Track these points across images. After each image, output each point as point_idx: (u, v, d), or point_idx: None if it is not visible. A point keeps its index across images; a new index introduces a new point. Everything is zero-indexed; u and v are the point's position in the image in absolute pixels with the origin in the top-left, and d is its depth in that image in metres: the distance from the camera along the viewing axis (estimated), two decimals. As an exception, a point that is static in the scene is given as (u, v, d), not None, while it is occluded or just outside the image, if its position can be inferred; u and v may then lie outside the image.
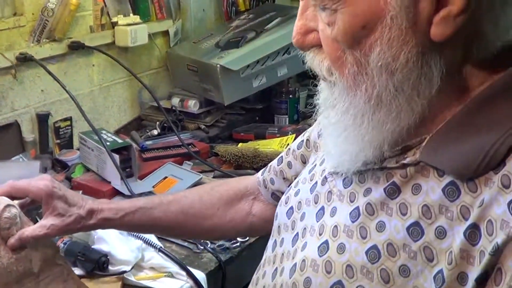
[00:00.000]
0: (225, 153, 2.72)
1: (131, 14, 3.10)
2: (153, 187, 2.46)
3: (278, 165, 1.56)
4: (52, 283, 1.51)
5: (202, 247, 2.11)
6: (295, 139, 2.82)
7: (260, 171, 1.65)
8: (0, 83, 2.62)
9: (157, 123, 3.08)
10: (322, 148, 1.33)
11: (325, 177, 1.22)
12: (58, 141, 2.86)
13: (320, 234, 1.15)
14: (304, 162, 1.47)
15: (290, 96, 3.31)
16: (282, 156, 1.55)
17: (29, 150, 2.72)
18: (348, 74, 1.02)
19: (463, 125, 0.99)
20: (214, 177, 2.61)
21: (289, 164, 1.52)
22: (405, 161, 1.04)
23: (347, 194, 1.14)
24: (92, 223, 1.50)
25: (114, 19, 3.03)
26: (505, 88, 0.98)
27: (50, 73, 2.61)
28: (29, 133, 2.76)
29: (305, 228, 1.21)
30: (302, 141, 1.49)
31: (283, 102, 3.30)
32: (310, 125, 3.00)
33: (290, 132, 3.00)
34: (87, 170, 2.59)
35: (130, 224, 1.57)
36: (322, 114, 1.16)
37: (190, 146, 2.79)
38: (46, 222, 1.43)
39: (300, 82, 3.56)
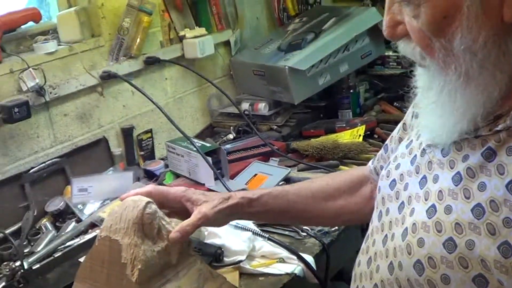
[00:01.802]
0: (307, 147, 2.80)
1: (196, 27, 3.17)
2: (246, 184, 2.53)
3: (385, 153, 1.63)
4: (189, 273, 1.57)
5: (304, 234, 2.19)
6: (365, 129, 2.92)
7: (370, 161, 1.73)
8: (87, 102, 2.71)
9: (231, 127, 3.16)
10: (416, 126, 1.41)
11: (424, 149, 1.31)
12: (142, 152, 2.94)
13: (426, 200, 1.23)
14: None
15: (351, 91, 3.40)
16: (387, 144, 1.63)
17: (118, 163, 2.80)
18: (438, 58, 1.12)
19: None
20: (298, 170, 2.69)
21: (393, 150, 1.59)
22: (497, 128, 1.12)
23: (447, 162, 1.22)
24: (234, 202, 1.58)
25: (181, 33, 3.12)
26: None
27: (136, 87, 2.69)
28: (116, 147, 2.85)
29: (410, 196, 1.29)
30: (400, 126, 1.58)
31: (345, 97, 3.39)
32: (374, 116, 3.10)
33: (359, 124, 3.07)
34: (177, 176, 2.65)
35: (266, 205, 1.63)
36: (422, 95, 1.28)
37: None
38: (197, 212, 1.52)
39: (358, 77, 3.61)
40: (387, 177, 1.42)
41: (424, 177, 1.27)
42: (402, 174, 1.36)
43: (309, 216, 1.73)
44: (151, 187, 1.57)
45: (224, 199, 1.58)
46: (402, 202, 1.32)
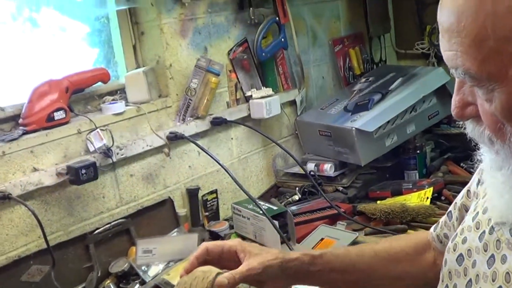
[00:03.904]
0: (375, 211, 2.70)
1: (262, 87, 3.13)
2: (313, 248, 2.44)
3: (450, 220, 1.55)
4: None
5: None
6: (433, 192, 2.83)
7: (432, 227, 1.63)
8: (153, 162, 2.67)
9: (296, 188, 3.08)
10: (482, 196, 1.35)
11: (492, 227, 1.25)
12: (207, 213, 2.88)
13: (493, 280, 1.19)
14: (466, 210, 1.47)
15: (418, 151, 3.28)
16: (450, 211, 1.55)
17: (182, 224, 2.74)
18: (509, 142, 1.07)
19: None
20: (365, 234, 2.58)
21: (457, 218, 1.52)
22: None
23: None
24: (294, 257, 1.49)
25: (248, 93, 3.07)
26: None
27: (202, 148, 2.64)
28: (181, 207, 2.79)
29: (477, 275, 1.24)
30: (464, 193, 1.51)
31: (412, 158, 3.27)
32: (441, 178, 2.99)
33: (426, 186, 2.95)
34: (243, 238, 2.59)
35: (329, 264, 1.53)
36: (489, 174, 1.22)
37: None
38: (246, 263, 1.45)
39: (424, 136, 3.53)
40: (454, 250, 1.36)
41: (492, 256, 1.22)
42: (470, 250, 1.30)
43: (372, 277, 1.61)
44: (205, 244, 1.51)
45: (279, 254, 1.49)
46: (470, 280, 1.27)
